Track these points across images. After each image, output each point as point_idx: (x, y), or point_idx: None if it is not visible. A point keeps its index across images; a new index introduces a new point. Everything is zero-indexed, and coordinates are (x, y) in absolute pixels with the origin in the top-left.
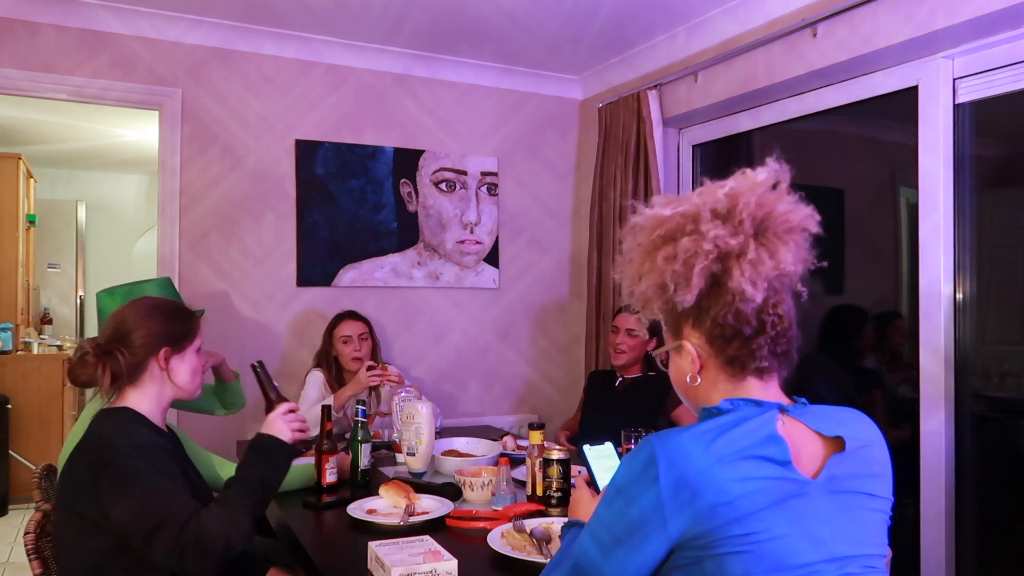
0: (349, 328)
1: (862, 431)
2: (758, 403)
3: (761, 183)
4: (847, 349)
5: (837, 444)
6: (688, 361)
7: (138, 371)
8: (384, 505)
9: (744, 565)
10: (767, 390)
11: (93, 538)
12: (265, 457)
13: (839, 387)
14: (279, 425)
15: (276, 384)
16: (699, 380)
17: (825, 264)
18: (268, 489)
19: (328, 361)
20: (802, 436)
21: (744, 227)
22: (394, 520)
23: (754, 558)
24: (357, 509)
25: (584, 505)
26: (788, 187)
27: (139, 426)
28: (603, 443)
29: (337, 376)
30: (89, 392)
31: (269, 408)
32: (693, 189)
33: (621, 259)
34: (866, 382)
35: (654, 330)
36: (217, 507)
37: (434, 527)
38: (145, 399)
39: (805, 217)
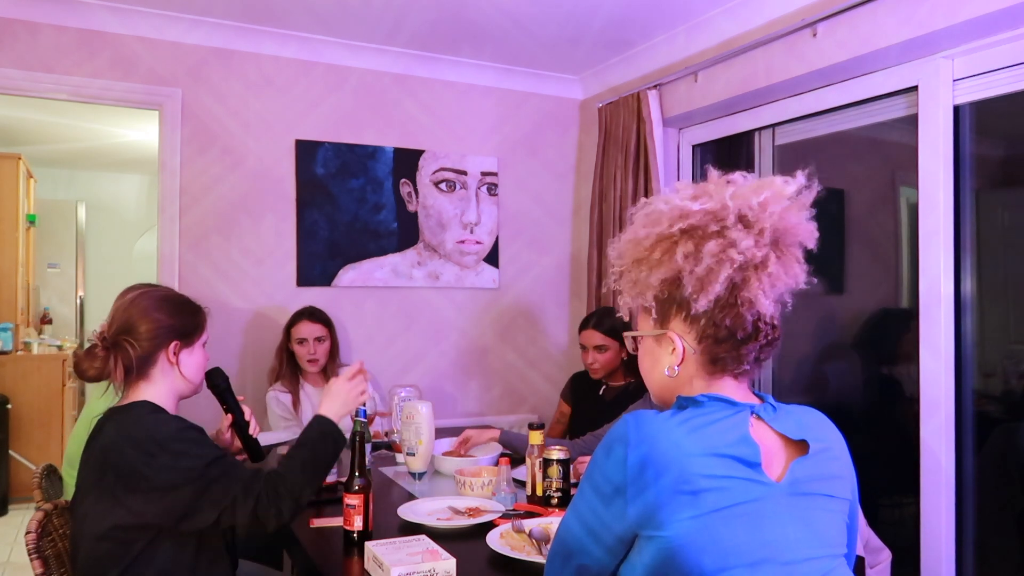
0: (305, 330)
1: (824, 433)
2: (732, 403)
3: (789, 195)
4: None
5: (801, 447)
6: (669, 351)
7: (147, 364)
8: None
9: (697, 555)
10: (739, 390)
11: (114, 517)
12: (325, 439)
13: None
14: (345, 395)
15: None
16: (677, 371)
17: (815, 280)
18: (324, 467)
19: (283, 356)
20: (770, 439)
21: (764, 237)
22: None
23: (706, 552)
24: None
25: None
26: (809, 203)
27: (168, 415)
28: None
29: (292, 371)
30: (89, 389)
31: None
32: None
33: (625, 237)
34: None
35: (619, 336)
36: (289, 464)
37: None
38: (159, 392)
39: (808, 234)
